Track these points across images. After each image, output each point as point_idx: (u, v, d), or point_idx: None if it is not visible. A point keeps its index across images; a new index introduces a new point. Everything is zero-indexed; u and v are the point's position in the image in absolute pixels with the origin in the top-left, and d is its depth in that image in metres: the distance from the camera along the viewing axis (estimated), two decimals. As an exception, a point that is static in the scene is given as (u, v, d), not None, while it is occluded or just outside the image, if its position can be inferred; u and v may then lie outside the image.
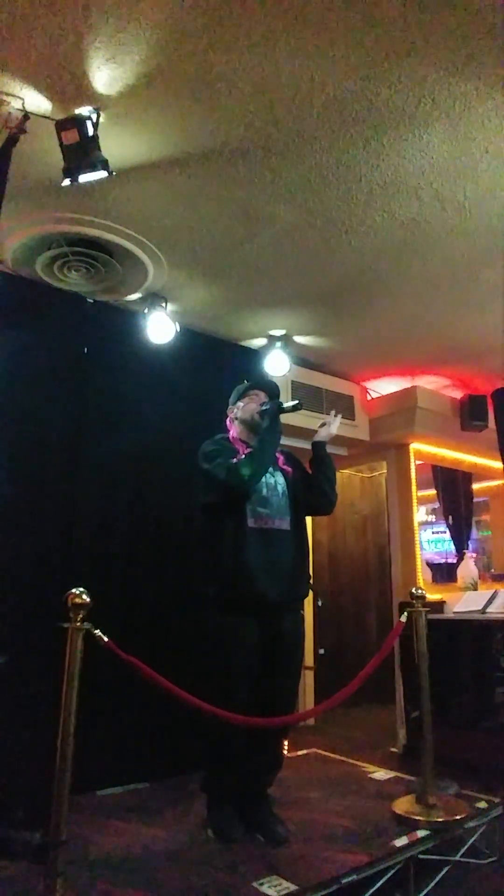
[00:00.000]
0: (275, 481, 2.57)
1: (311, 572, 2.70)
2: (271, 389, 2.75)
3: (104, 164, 2.11)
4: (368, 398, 4.82)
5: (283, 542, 2.48)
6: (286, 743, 3.64)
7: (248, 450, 2.49)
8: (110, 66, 1.95)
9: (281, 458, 2.67)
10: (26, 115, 2.07)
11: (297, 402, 2.66)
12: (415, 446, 4.83)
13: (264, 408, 2.62)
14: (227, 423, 2.73)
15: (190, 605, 3.05)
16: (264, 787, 2.53)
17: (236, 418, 2.70)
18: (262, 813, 2.42)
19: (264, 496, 2.49)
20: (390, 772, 3.25)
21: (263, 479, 2.50)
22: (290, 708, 2.58)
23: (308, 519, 5.61)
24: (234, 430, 2.66)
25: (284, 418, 4.29)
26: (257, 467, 2.41)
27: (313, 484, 2.70)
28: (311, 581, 2.69)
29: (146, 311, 3.37)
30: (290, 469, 2.66)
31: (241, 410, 2.68)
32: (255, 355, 3.96)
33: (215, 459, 2.44)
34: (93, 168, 2.10)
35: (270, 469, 2.56)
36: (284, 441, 4.48)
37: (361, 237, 2.88)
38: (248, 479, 2.37)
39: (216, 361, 3.78)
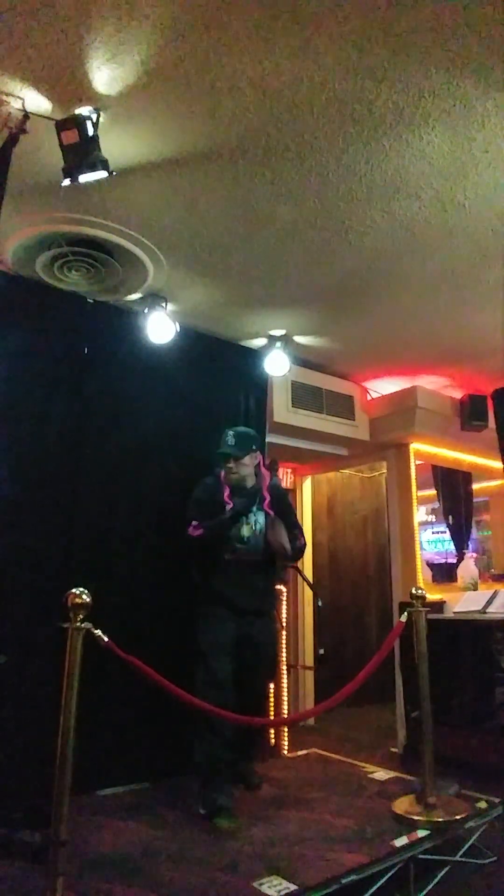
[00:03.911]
0: (255, 520, 3.01)
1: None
2: (241, 453, 3.02)
3: (104, 164, 2.11)
4: (368, 398, 4.82)
5: (254, 569, 2.99)
6: (285, 740, 3.66)
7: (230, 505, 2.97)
8: (110, 66, 1.96)
9: (267, 500, 3.06)
10: (26, 115, 2.07)
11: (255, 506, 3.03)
12: (415, 446, 4.83)
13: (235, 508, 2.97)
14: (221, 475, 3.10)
15: (189, 604, 3.05)
16: (249, 748, 3.04)
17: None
18: (241, 768, 2.96)
19: (242, 534, 2.98)
20: (390, 772, 3.25)
21: (243, 520, 2.98)
22: (267, 679, 3.22)
23: (308, 520, 5.64)
24: (227, 488, 3.05)
25: (286, 418, 4.33)
26: (208, 538, 2.92)
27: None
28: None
29: (146, 310, 3.37)
30: (272, 512, 3.06)
31: (226, 477, 3.06)
32: (255, 355, 3.96)
33: (192, 511, 2.96)
34: (93, 168, 2.09)
35: (254, 509, 3.02)
36: (284, 440, 4.53)
37: (361, 237, 2.88)
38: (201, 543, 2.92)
39: (216, 361, 3.78)
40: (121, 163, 2.33)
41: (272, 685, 3.69)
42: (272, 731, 3.70)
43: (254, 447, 3.09)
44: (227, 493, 3.00)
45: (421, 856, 2.29)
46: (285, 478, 5.36)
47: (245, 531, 2.97)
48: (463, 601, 4.32)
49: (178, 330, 3.46)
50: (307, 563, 5.34)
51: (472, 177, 2.47)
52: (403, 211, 2.69)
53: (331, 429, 4.52)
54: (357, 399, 4.69)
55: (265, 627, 3.05)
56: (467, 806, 2.59)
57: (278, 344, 3.89)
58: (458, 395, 4.89)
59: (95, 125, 2.09)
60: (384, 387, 4.81)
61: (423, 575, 4.69)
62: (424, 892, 2.27)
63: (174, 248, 2.96)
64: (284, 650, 3.84)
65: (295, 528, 3.15)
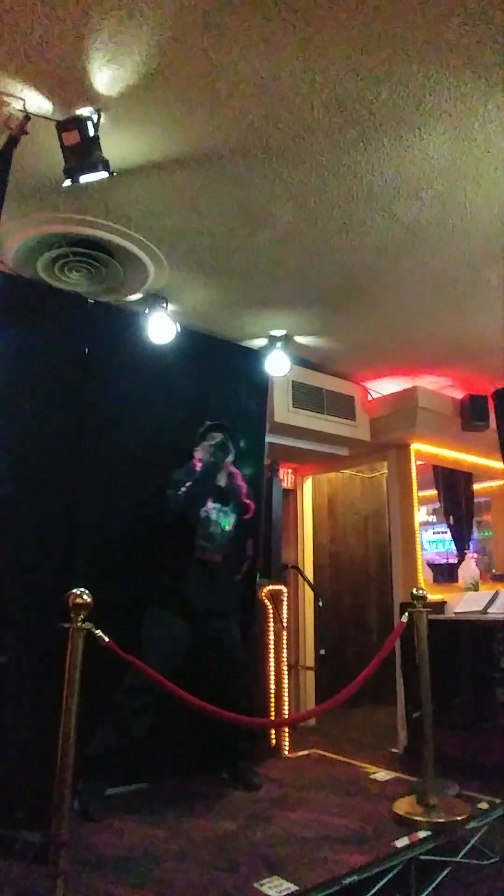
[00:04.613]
0: (226, 521, 3.06)
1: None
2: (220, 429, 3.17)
3: (105, 165, 2.11)
4: (369, 398, 4.82)
5: (215, 570, 3.04)
6: (286, 740, 3.66)
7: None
8: (111, 67, 1.96)
9: (252, 507, 3.14)
10: (27, 116, 2.07)
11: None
12: (416, 446, 4.82)
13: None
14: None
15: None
16: (243, 749, 3.12)
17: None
18: (241, 768, 3.05)
19: (210, 532, 3.02)
20: (391, 772, 3.24)
21: (215, 519, 3.03)
22: (237, 672, 3.05)
23: (309, 520, 5.65)
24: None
25: (287, 418, 4.33)
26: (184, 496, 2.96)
27: None
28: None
29: (147, 311, 3.37)
30: (249, 518, 3.14)
31: (207, 449, 3.11)
32: (255, 355, 3.96)
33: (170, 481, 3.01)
34: (93, 169, 2.10)
35: (226, 510, 3.07)
36: (285, 441, 4.53)
37: (361, 237, 2.88)
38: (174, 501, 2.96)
39: (217, 361, 3.78)
40: (121, 163, 2.33)
41: (273, 686, 3.69)
42: (273, 731, 3.69)
43: (231, 448, 3.19)
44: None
45: (422, 857, 2.28)
46: (286, 478, 5.35)
47: (211, 527, 3.00)
48: (464, 601, 4.31)
49: (179, 330, 3.46)
50: (307, 564, 5.34)
51: (472, 177, 2.48)
52: (404, 211, 2.69)
53: (331, 429, 4.52)
54: (358, 399, 4.69)
55: (224, 629, 3.03)
56: (468, 807, 2.59)
57: (279, 344, 3.89)
58: (458, 395, 4.88)
59: (96, 126, 2.09)
60: (385, 387, 4.81)
61: (423, 575, 4.69)
62: (425, 894, 2.27)
63: (175, 248, 2.96)
64: (285, 650, 3.84)
65: (252, 537, 3.26)
